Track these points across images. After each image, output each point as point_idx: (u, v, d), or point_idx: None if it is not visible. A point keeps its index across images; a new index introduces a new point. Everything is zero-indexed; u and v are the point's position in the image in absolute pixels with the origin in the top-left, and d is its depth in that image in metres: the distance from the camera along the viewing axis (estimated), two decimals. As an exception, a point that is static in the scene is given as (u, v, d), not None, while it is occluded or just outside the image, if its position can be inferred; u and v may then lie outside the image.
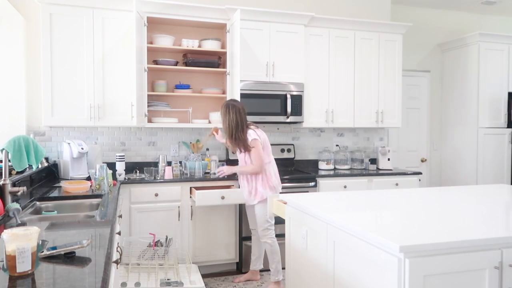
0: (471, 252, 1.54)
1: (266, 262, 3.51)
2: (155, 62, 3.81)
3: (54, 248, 1.37)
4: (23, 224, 1.89)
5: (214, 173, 3.75)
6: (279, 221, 3.67)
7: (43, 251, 1.35)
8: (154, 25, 3.86)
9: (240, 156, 3.30)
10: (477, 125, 4.90)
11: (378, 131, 4.78)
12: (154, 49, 3.82)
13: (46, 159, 3.58)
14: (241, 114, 3.19)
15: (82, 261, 1.32)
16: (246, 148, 3.18)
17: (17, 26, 3.43)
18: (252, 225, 3.45)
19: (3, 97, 3.09)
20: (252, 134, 3.18)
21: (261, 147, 3.18)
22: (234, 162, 4.09)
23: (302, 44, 4.05)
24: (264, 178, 3.23)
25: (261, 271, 3.57)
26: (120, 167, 3.53)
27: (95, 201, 2.63)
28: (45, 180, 3.33)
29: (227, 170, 3.37)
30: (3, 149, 2.16)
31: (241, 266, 3.70)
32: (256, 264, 3.47)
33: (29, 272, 1.20)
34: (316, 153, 4.53)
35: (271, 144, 4.27)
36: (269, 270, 3.40)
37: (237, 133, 3.17)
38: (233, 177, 3.64)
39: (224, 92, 4.00)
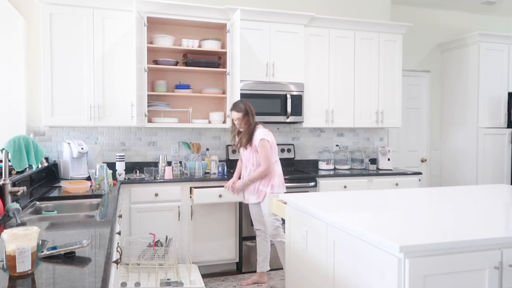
0: (471, 252, 1.54)
1: (272, 262, 3.51)
2: (155, 62, 3.81)
3: (54, 248, 1.37)
4: (23, 224, 1.89)
5: (216, 174, 3.75)
6: (279, 221, 3.68)
7: (43, 251, 1.35)
8: (154, 25, 3.85)
9: (245, 153, 3.30)
10: (477, 125, 4.90)
11: (378, 131, 4.78)
12: (154, 49, 3.82)
13: (46, 159, 3.58)
14: (254, 115, 3.30)
15: (82, 261, 1.32)
16: (249, 142, 3.23)
17: (17, 26, 3.43)
18: (257, 225, 3.38)
19: (3, 97, 3.09)
20: (261, 134, 3.20)
21: (269, 147, 3.18)
22: (235, 162, 4.10)
23: (302, 44, 4.05)
24: (268, 177, 3.22)
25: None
26: (120, 167, 3.53)
27: (95, 201, 2.63)
28: (45, 180, 3.33)
29: (240, 185, 3.30)
30: (3, 149, 2.16)
31: (241, 266, 3.70)
32: (263, 266, 3.39)
33: (29, 272, 1.20)
34: (316, 153, 4.53)
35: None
36: (276, 269, 3.37)
37: (251, 132, 3.24)
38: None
39: (224, 92, 4.00)
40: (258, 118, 3.88)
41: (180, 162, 3.98)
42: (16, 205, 1.93)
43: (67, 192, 2.75)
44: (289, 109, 3.95)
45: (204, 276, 3.50)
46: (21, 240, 1.19)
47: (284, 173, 3.92)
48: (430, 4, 5.17)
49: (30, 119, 3.69)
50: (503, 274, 1.57)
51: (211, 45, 3.87)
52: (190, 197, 3.54)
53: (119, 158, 3.54)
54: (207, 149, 4.14)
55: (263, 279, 3.40)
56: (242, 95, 3.74)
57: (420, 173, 4.25)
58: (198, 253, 3.60)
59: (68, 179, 3.32)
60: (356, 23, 4.23)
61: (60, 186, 2.93)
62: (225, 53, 3.90)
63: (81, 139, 3.79)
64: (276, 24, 3.96)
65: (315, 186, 3.85)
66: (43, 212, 2.41)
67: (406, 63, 5.13)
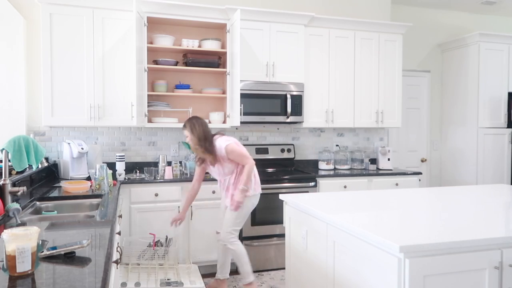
0: (471, 252, 1.54)
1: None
2: (155, 62, 3.81)
3: (54, 248, 1.37)
4: (23, 224, 1.89)
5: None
6: (279, 221, 3.68)
7: (43, 251, 1.35)
8: (154, 25, 3.85)
9: (214, 169, 3.09)
10: (477, 125, 4.90)
11: (378, 131, 4.78)
12: (154, 49, 3.82)
13: (46, 159, 3.58)
14: (207, 127, 3.04)
15: (82, 261, 1.32)
16: (215, 159, 3.00)
17: (17, 26, 3.43)
18: (219, 229, 3.22)
19: (3, 97, 3.09)
20: (222, 141, 2.98)
21: (236, 145, 2.99)
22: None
23: (302, 44, 4.04)
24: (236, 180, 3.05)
25: (232, 273, 3.39)
26: (120, 167, 3.53)
27: (95, 201, 2.63)
28: (45, 180, 3.33)
29: (239, 198, 2.96)
30: (3, 149, 2.16)
31: (241, 266, 3.70)
32: (222, 272, 3.23)
33: (29, 272, 1.20)
34: (316, 153, 4.53)
35: (271, 144, 4.28)
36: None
37: (206, 145, 2.97)
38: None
39: (224, 92, 4.00)
40: (258, 118, 3.90)
41: (180, 162, 3.98)
42: (16, 205, 1.93)
43: (67, 192, 2.75)
44: (289, 109, 3.95)
45: (204, 276, 3.50)
46: (21, 240, 1.19)
47: (284, 173, 3.93)
48: (430, 4, 5.17)
49: (30, 119, 3.69)
50: (503, 274, 1.57)
51: (211, 45, 3.87)
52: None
53: (119, 158, 3.54)
54: (207, 149, 4.14)
55: (223, 286, 3.22)
56: (242, 95, 3.74)
57: (420, 173, 4.25)
58: (198, 253, 3.60)
59: (68, 179, 3.32)
60: (356, 23, 4.23)
61: (60, 186, 2.93)
62: (225, 53, 3.90)
63: (81, 139, 3.79)
64: (276, 24, 3.96)
65: (315, 186, 3.85)
66: (43, 212, 2.41)
67: (406, 63, 5.13)
